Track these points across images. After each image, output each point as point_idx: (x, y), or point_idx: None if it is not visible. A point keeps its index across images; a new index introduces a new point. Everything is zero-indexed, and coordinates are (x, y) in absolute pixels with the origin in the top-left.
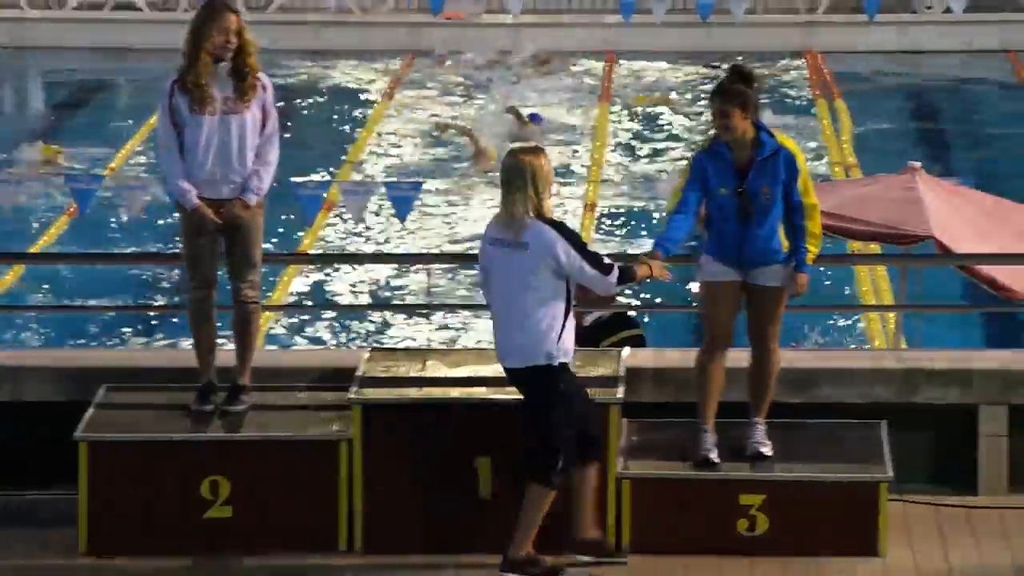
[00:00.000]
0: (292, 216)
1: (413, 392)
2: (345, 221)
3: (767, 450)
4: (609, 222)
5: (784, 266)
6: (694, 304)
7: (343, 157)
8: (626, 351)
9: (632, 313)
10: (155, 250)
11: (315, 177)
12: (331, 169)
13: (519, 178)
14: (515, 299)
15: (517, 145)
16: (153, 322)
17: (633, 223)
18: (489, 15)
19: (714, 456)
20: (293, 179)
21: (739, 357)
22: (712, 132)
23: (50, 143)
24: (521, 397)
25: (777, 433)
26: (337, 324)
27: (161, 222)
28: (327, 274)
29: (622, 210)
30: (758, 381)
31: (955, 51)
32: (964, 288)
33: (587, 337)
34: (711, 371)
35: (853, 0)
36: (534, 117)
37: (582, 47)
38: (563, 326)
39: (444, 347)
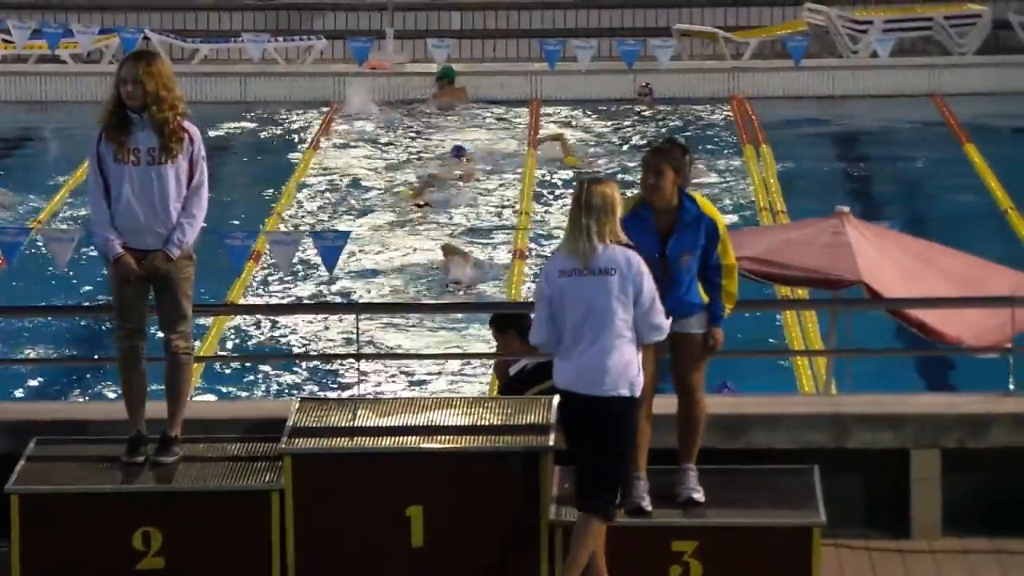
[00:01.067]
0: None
1: (344, 442)
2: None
3: (699, 496)
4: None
5: (700, 314)
6: None
7: (271, 207)
8: (556, 399)
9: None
10: (86, 302)
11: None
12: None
13: (601, 207)
14: (604, 326)
15: (588, 177)
16: (84, 372)
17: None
18: (413, 64)
19: (646, 504)
20: (221, 230)
21: (667, 403)
22: (636, 194)
23: None
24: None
25: (709, 479)
26: (268, 374)
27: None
28: (257, 324)
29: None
30: (686, 428)
31: (881, 95)
32: (894, 332)
33: (512, 387)
34: (639, 425)
35: (778, 46)
36: (456, 150)
37: (507, 95)
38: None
39: (374, 396)
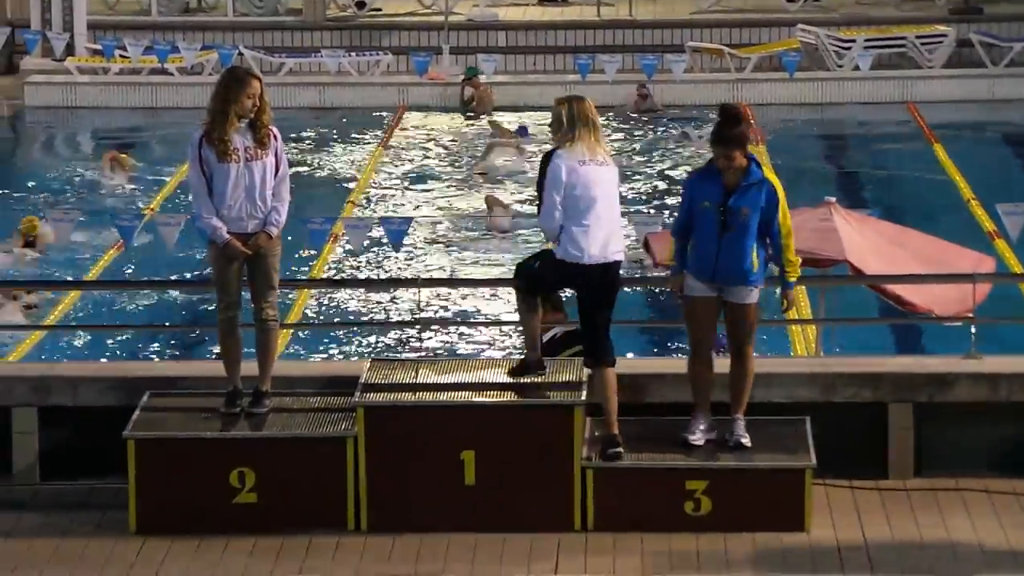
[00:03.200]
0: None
1: (408, 396)
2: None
3: (746, 441)
4: None
5: (754, 287)
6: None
7: (347, 197)
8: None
9: None
10: (189, 277)
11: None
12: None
13: (594, 119)
14: (613, 204)
15: (570, 96)
16: (188, 337)
17: None
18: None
19: (694, 439)
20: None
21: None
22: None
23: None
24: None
25: (718, 428)
26: (343, 338)
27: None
28: (333, 296)
29: None
30: (736, 384)
31: (863, 102)
32: (874, 303)
33: (545, 351)
34: (697, 371)
35: (775, 61)
36: (521, 130)
37: (545, 102)
38: None
39: (433, 357)
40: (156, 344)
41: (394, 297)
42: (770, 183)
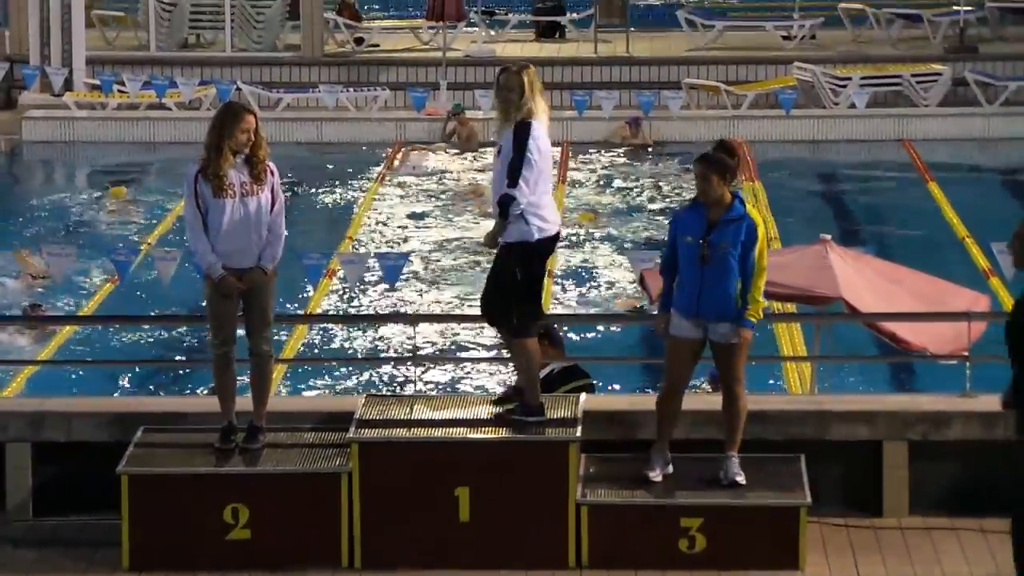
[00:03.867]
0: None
1: (403, 432)
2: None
3: (741, 479)
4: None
5: (736, 325)
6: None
7: (344, 232)
8: (583, 396)
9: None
10: (184, 313)
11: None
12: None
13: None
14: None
15: (519, 66)
16: (183, 372)
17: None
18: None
19: (654, 476)
20: (300, 250)
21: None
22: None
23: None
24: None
25: (712, 465)
26: (338, 374)
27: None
28: (329, 331)
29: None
30: (729, 420)
31: (858, 140)
32: (868, 341)
33: (542, 387)
34: (666, 406)
35: (772, 98)
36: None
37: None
38: None
39: (429, 394)
40: (152, 379)
41: (389, 332)
42: (751, 220)
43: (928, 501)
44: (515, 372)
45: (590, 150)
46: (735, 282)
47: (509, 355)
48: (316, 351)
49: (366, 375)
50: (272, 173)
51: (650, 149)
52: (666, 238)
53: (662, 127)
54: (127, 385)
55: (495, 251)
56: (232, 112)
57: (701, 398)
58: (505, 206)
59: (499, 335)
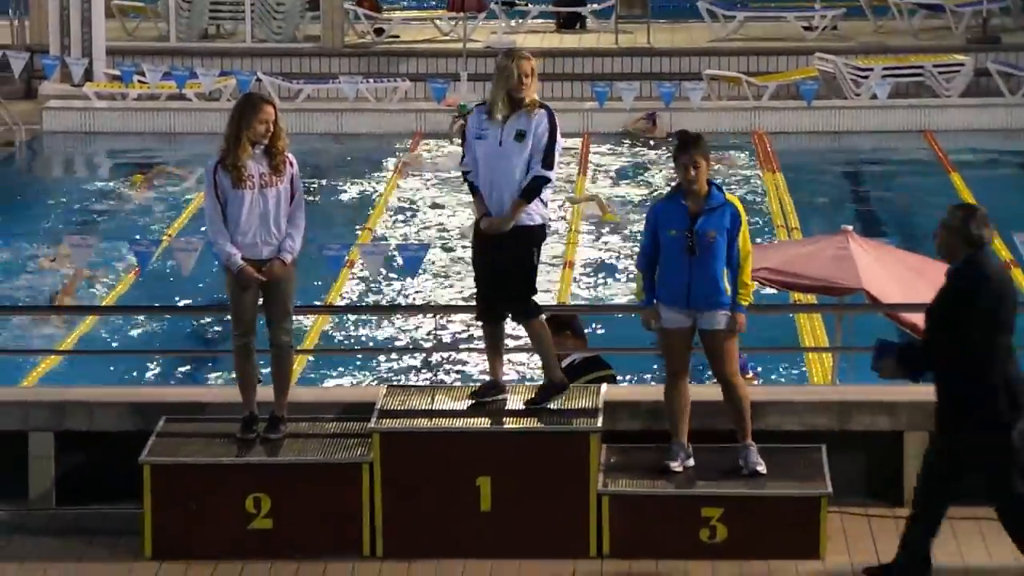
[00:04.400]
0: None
1: (424, 422)
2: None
3: (762, 468)
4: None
5: (726, 311)
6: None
7: (364, 223)
8: (604, 387)
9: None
10: (205, 303)
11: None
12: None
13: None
14: None
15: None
16: (205, 362)
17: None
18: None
19: (675, 466)
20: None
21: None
22: (674, 184)
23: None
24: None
25: (733, 455)
26: (359, 365)
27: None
28: (350, 322)
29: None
30: (733, 411)
31: (880, 131)
32: (890, 332)
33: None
34: (674, 397)
35: (793, 89)
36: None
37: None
38: None
39: (449, 384)
40: (173, 369)
41: (411, 323)
42: (733, 205)
43: None
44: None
45: (611, 142)
46: (723, 269)
47: (525, 342)
48: (337, 342)
49: (388, 365)
50: (291, 164)
51: (670, 139)
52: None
53: (683, 118)
54: (149, 375)
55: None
56: (251, 103)
57: (718, 389)
58: (538, 189)
59: (517, 324)
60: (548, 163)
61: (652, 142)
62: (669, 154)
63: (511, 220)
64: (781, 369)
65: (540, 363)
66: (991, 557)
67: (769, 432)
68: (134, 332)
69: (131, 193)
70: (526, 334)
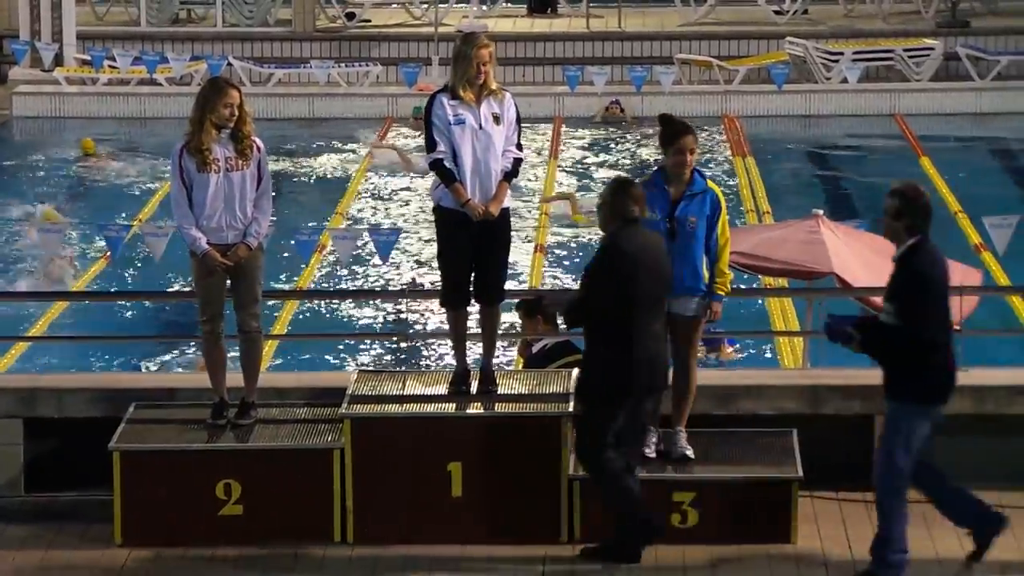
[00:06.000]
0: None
1: (395, 408)
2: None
3: (690, 452)
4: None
5: (701, 299)
6: None
7: (334, 208)
8: (575, 371)
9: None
10: (175, 288)
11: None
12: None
13: None
14: None
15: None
16: (175, 348)
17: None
18: None
19: (649, 452)
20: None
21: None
22: (656, 168)
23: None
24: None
25: (703, 440)
26: (329, 350)
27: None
28: (321, 307)
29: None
30: (679, 396)
31: (850, 115)
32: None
33: (535, 362)
34: None
35: (764, 73)
36: None
37: (534, 113)
38: None
39: (421, 369)
40: (140, 354)
41: (382, 308)
42: (713, 192)
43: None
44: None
45: (583, 127)
46: (701, 256)
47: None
48: (308, 327)
49: (358, 351)
50: (258, 149)
51: (634, 121)
52: None
53: (654, 103)
54: (119, 362)
55: (487, 220)
56: (215, 87)
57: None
58: (517, 171)
59: (486, 308)
60: (519, 145)
61: (623, 125)
62: (638, 139)
63: (501, 203)
64: (751, 352)
65: (484, 348)
66: (962, 543)
67: (740, 416)
68: (105, 318)
69: (89, 163)
70: (481, 318)
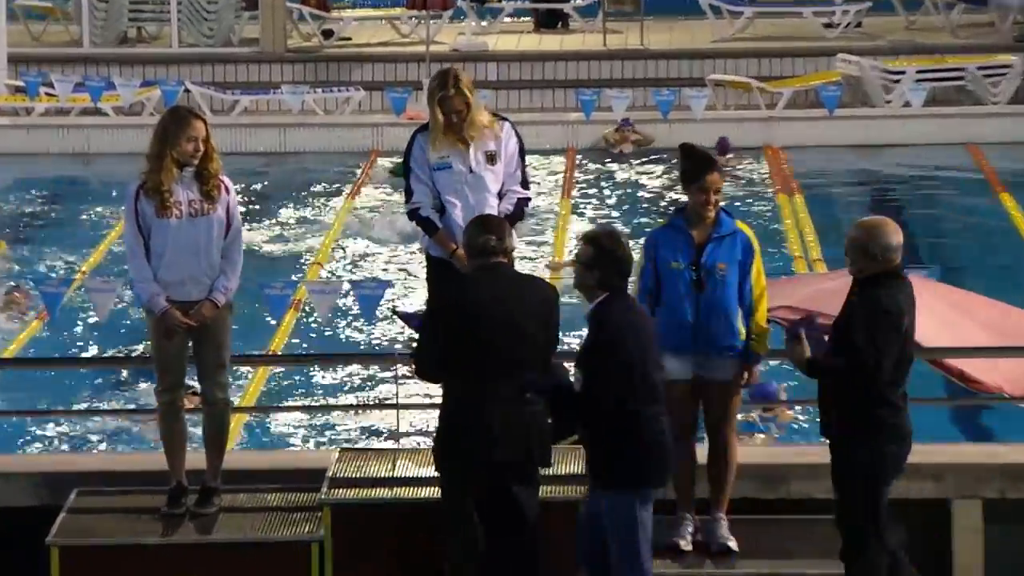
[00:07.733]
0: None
1: (383, 493)
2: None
3: (733, 544)
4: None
5: (737, 359)
6: None
7: (310, 257)
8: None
9: None
10: (124, 353)
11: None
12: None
13: None
14: None
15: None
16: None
17: None
18: None
19: (683, 544)
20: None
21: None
22: (675, 208)
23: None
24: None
25: (749, 528)
26: (307, 424)
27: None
28: (296, 374)
29: None
30: (717, 476)
31: (915, 144)
32: (934, 381)
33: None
34: (679, 463)
35: (812, 96)
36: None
37: (542, 144)
38: None
39: (413, 447)
40: (83, 431)
41: (367, 374)
42: (744, 234)
43: (1005, 569)
44: None
45: (597, 159)
46: (736, 309)
47: None
48: (282, 398)
49: (340, 425)
50: (227, 190)
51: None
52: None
53: (683, 131)
54: (59, 440)
55: None
56: (177, 117)
57: None
58: (523, 213)
59: None
60: (525, 182)
61: (623, 152)
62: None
63: None
64: (803, 424)
65: None
66: None
67: (793, 501)
68: (40, 388)
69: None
70: None
